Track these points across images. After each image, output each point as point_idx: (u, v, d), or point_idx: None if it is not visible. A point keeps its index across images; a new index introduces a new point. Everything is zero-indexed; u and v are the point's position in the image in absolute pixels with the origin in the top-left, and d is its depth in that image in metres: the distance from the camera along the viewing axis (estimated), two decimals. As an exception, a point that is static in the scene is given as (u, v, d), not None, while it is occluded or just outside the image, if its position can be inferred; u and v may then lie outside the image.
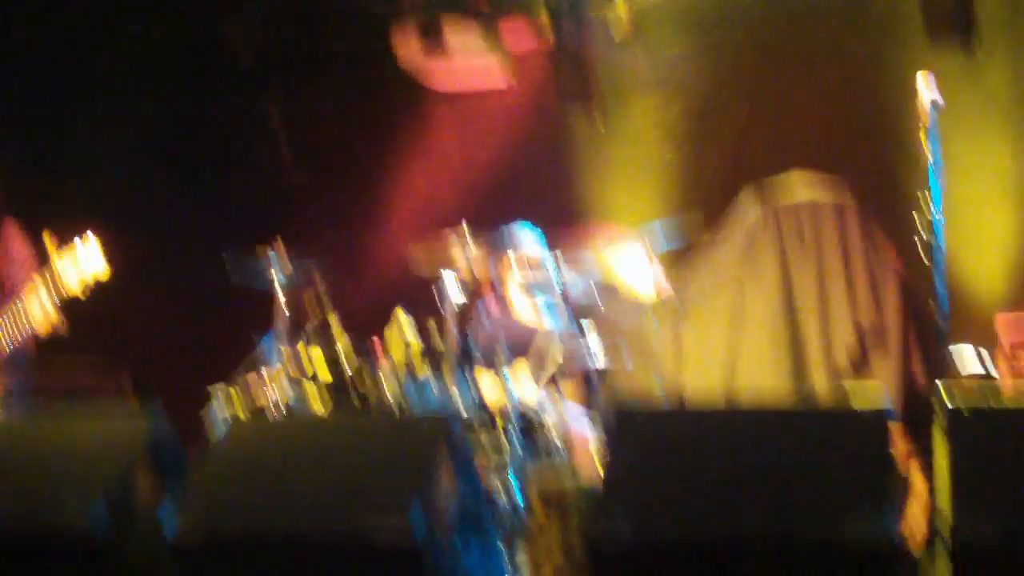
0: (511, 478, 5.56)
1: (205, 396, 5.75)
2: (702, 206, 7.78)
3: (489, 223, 6.64)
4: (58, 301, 5.66)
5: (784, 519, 3.74)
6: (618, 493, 3.98)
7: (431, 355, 5.66)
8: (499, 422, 5.74)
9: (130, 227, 7.52)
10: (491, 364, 5.90)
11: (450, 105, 8.66)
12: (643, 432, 4.14)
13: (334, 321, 6.02)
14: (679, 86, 8.06)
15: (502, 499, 5.50)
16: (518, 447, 5.66)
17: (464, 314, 6.25)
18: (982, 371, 6.51)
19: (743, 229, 7.06)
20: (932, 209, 5.19)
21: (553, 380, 6.06)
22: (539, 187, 8.29)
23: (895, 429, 3.94)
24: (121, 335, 8.34)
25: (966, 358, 6.45)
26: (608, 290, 6.50)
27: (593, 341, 6.12)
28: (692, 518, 3.83)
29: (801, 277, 6.85)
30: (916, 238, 5.22)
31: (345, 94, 8.75)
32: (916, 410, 6.39)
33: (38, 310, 5.63)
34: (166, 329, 8.54)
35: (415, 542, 3.80)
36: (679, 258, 7.46)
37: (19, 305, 5.64)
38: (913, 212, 5.33)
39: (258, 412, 5.81)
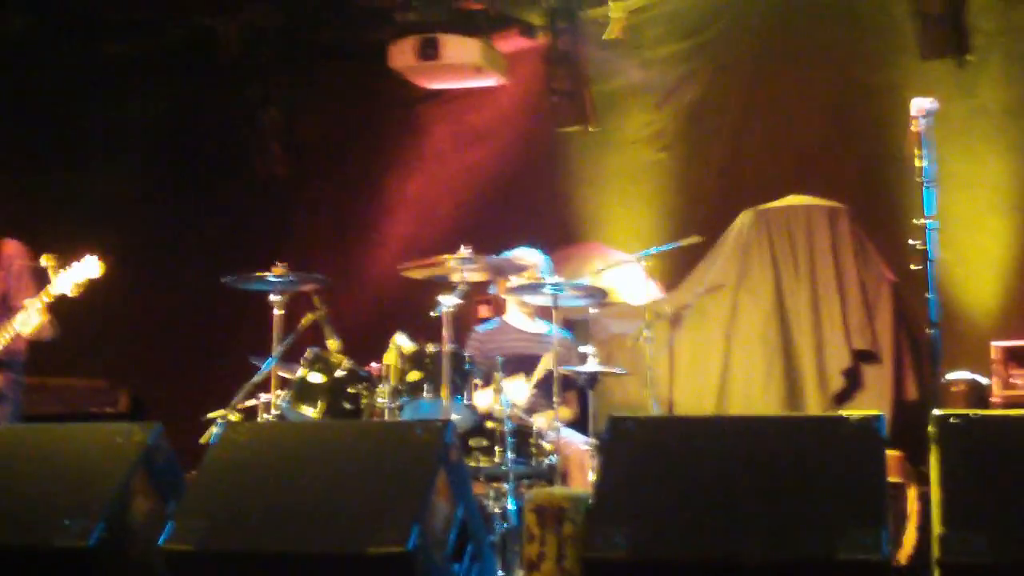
0: (505, 487, 5.56)
1: (205, 423, 5.74)
2: (695, 208, 7.79)
3: (484, 234, 6.65)
4: (55, 315, 5.74)
5: (778, 536, 3.74)
6: (612, 503, 3.99)
7: (428, 376, 5.66)
8: (495, 432, 5.74)
9: (130, 247, 7.56)
10: (487, 376, 5.90)
11: (442, 107, 8.68)
12: (636, 441, 4.14)
13: (333, 345, 6.04)
14: (671, 88, 8.07)
15: (495, 508, 5.50)
16: (511, 457, 5.66)
17: (460, 327, 6.25)
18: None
19: (737, 237, 7.05)
20: (924, 215, 5.21)
21: (548, 390, 6.06)
22: (532, 194, 8.30)
23: (887, 438, 3.94)
24: (120, 359, 8.35)
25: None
26: (602, 301, 6.50)
27: (587, 352, 6.12)
28: (686, 532, 3.83)
29: (792, 284, 6.84)
30: (908, 244, 5.23)
31: (344, 94, 8.78)
32: (908, 419, 6.41)
33: (36, 321, 5.69)
34: (165, 354, 8.55)
35: (407, 552, 3.79)
36: (672, 267, 7.47)
37: (18, 316, 5.70)
38: (905, 219, 5.35)
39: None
